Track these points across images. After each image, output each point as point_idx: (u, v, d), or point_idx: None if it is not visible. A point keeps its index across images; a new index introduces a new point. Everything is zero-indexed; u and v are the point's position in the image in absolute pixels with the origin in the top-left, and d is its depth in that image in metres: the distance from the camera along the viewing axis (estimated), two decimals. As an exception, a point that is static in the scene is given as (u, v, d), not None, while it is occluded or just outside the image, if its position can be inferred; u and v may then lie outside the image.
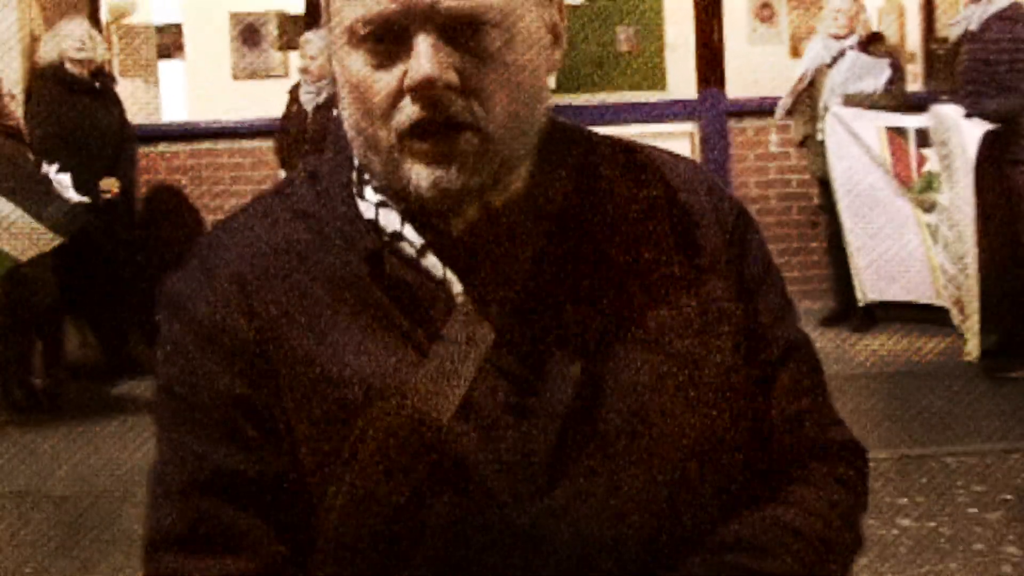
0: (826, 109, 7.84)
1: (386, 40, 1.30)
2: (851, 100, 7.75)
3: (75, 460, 6.41)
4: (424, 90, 1.28)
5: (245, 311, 1.37)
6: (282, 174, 7.93)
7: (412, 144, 1.31)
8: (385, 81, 1.31)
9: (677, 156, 1.52)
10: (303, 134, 7.66)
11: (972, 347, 6.93)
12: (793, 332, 1.49)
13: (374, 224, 1.38)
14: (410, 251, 1.37)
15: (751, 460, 1.43)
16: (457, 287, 1.36)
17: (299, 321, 1.36)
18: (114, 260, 7.69)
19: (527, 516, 1.32)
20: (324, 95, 7.64)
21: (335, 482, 1.33)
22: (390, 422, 1.31)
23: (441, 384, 1.32)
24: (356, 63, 1.32)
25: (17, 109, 7.50)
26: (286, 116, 7.92)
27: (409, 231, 1.37)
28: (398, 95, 1.30)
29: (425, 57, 1.28)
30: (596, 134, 1.49)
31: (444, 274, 1.36)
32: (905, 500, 5.24)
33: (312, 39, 7.76)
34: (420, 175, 1.31)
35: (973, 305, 6.87)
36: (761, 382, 1.45)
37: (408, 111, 1.30)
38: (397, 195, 1.37)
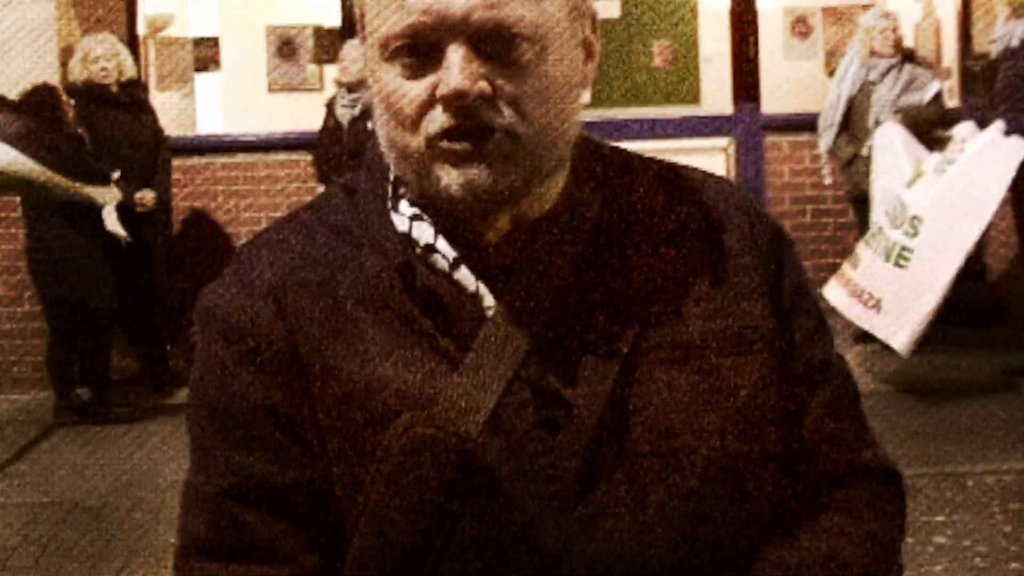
0: (878, 123, 7.79)
1: (418, 53, 1.30)
2: (904, 113, 7.68)
3: (111, 470, 6.44)
4: (456, 102, 1.28)
5: (279, 322, 1.38)
6: (320, 189, 7.95)
7: (442, 146, 1.31)
8: (416, 91, 1.31)
9: (713, 175, 1.51)
10: (340, 147, 7.68)
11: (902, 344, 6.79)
12: (827, 353, 1.49)
13: (407, 237, 1.39)
14: (443, 263, 1.37)
15: (783, 480, 1.42)
16: (489, 300, 1.36)
17: (332, 332, 1.37)
18: (150, 271, 7.73)
19: (554, 531, 1.32)
20: (359, 107, 7.65)
21: (363, 493, 1.33)
22: (419, 434, 1.31)
23: (471, 397, 1.33)
24: (389, 76, 1.32)
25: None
26: (323, 129, 7.94)
27: (442, 244, 1.37)
28: (428, 105, 1.30)
29: (457, 69, 1.28)
30: (631, 152, 1.49)
31: (476, 287, 1.36)
32: (941, 518, 5.21)
33: (355, 44, 7.79)
34: (450, 176, 1.31)
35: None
36: (794, 403, 1.44)
37: (439, 120, 1.30)
38: (431, 204, 1.37)
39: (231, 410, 1.39)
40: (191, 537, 1.40)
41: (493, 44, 1.29)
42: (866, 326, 6.97)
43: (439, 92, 1.29)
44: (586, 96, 1.41)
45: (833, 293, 7.10)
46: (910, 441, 6.12)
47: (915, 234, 6.73)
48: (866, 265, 6.91)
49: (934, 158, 7.01)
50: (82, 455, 6.76)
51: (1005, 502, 5.40)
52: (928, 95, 7.85)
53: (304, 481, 1.37)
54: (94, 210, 7.25)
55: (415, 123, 1.31)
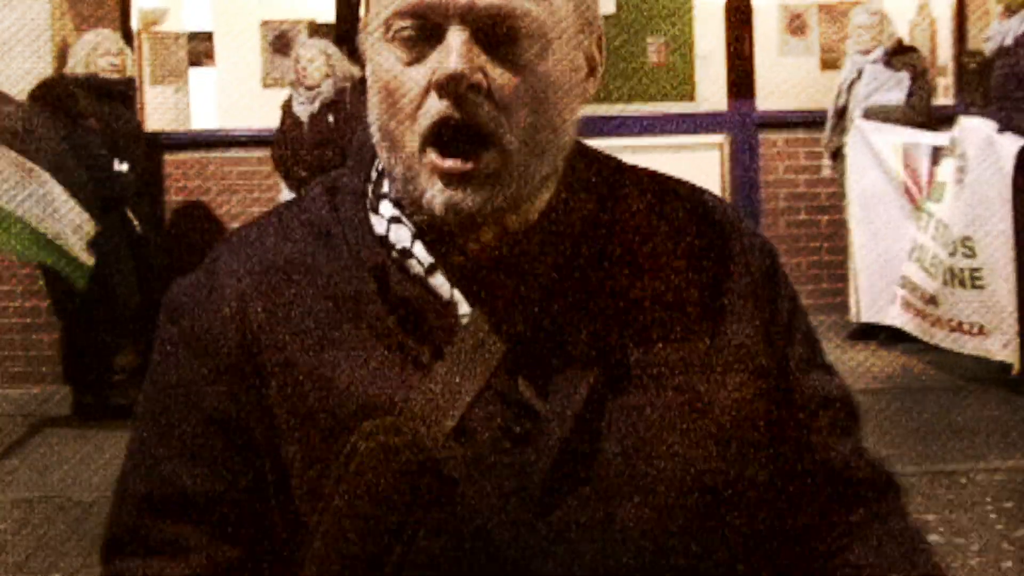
0: (851, 122, 7.88)
1: (419, 36, 1.28)
2: (871, 112, 7.76)
3: (104, 465, 6.43)
4: (450, 85, 1.26)
5: (241, 327, 1.36)
6: (284, 188, 7.99)
7: (433, 156, 1.29)
8: (414, 77, 1.29)
9: (708, 192, 1.49)
10: (301, 144, 7.75)
11: (1016, 360, 6.83)
12: (823, 379, 1.48)
13: (384, 239, 1.37)
14: (418, 269, 1.35)
15: (763, 503, 1.40)
16: (464, 308, 1.34)
17: (298, 335, 1.35)
18: (141, 267, 7.71)
19: (517, 544, 1.29)
20: (318, 103, 7.74)
21: (324, 499, 1.31)
22: (383, 440, 1.29)
23: (439, 405, 1.30)
24: (388, 59, 1.30)
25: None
26: (281, 131, 7.96)
27: (419, 249, 1.35)
28: (425, 92, 1.28)
29: (455, 52, 1.26)
30: (625, 163, 1.46)
31: (452, 294, 1.34)
32: (933, 516, 5.20)
33: (308, 44, 7.97)
34: (436, 194, 1.29)
35: (1009, 315, 6.78)
36: (791, 429, 1.43)
37: (432, 109, 1.28)
38: (413, 206, 1.34)
39: (174, 416, 1.38)
40: (113, 534, 1.42)
41: (496, 37, 1.28)
42: (981, 352, 7.00)
43: (434, 77, 1.27)
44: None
45: (902, 320, 7.21)
46: (905, 439, 6.11)
47: (974, 254, 6.78)
48: (943, 296, 6.98)
49: (948, 165, 7.04)
50: (75, 450, 6.75)
51: (999, 500, 5.39)
52: (902, 95, 7.88)
53: (237, 492, 1.36)
54: (125, 201, 7.31)
55: (410, 113, 1.29)
